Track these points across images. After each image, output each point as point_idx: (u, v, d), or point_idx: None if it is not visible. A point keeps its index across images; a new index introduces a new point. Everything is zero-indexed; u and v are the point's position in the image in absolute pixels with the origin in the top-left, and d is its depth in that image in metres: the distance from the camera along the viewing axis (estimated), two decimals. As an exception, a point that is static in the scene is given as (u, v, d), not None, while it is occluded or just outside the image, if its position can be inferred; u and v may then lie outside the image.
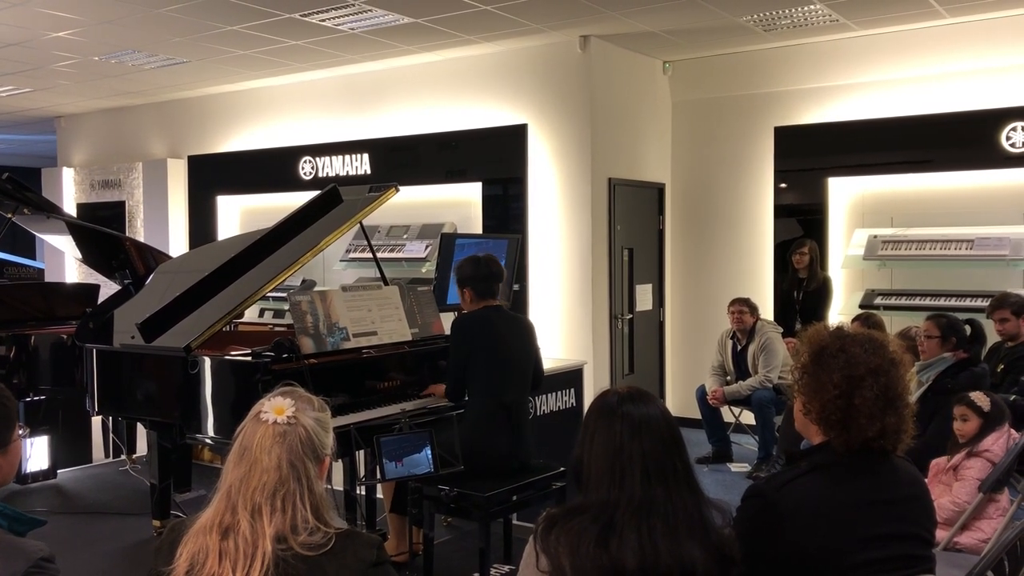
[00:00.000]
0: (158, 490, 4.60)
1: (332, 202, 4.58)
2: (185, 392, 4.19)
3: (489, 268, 4.10)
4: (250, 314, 6.19)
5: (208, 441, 4.37)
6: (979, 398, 3.88)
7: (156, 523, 4.65)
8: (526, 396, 4.22)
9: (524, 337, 4.14)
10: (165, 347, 4.23)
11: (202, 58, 7.88)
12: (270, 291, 4.44)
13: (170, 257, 6.02)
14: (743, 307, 6.60)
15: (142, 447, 5.79)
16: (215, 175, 9.74)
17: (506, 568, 4.30)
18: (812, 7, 6.28)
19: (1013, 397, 4.70)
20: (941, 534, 3.47)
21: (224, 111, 9.65)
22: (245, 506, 1.69)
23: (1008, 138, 6.48)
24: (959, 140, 6.69)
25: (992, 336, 5.34)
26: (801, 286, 7.03)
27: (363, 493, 4.71)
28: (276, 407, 1.76)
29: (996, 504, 3.65)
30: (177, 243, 9.87)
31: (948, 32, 6.72)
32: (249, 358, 4.08)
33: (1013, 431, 3.82)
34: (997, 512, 3.63)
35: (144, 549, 4.73)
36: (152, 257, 5.84)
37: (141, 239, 9.41)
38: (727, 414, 6.92)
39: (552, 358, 6.55)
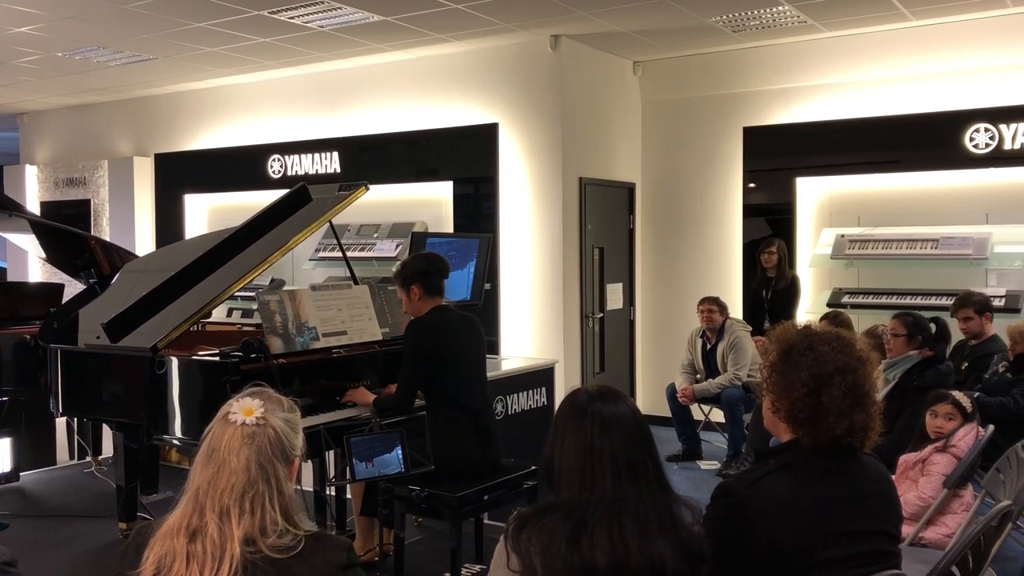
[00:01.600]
0: (124, 492, 4.54)
1: (301, 201, 4.55)
2: (152, 393, 4.14)
3: (442, 264, 4.07)
4: (218, 314, 6.12)
5: (176, 442, 4.32)
6: (963, 399, 3.92)
7: (122, 526, 4.59)
8: (488, 397, 4.21)
9: (478, 338, 4.12)
10: (131, 347, 4.17)
11: (169, 55, 7.79)
12: (238, 290, 4.40)
13: (136, 256, 5.96)
14: (712, 306, 6.65)
15: (108, 448, 5.71)
16: (182, 173, 9.63)
17: (477, 568, 4.29)
18: (780, 8, 6.34)
19: (977, 394, 4.78)
20: (907, 529, 3.51)
21: (192, 109, 9.54)
22: (213, 508, 1.67)
23: (971, 139, 6.57)
24: (924, 141, 6.78)
25: (956, 334, 5.42)
26: (770, 285, 7.09)
27: (333, 494, 4.68)
28: (245, 408, 1.74)
29: (960, 500, 3.70)
30: (143, 242, 9.75)
31: (913, 34, 6.81)
32: (217, 358, 4.04)
33: (979, 427, 3.88)
34: (961, 507, 3.68)
35: (110, 552, 4.68)
36: (118, 256, 5.77)
37: (107, 238, 9.29)
38: (697, 412, 6.97)
39: (523, 357, 6.56)
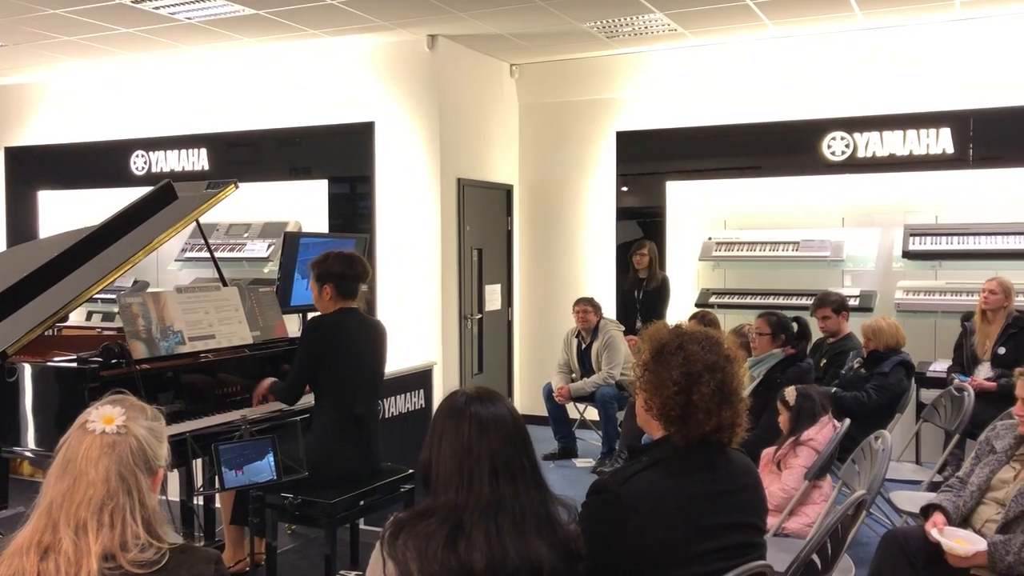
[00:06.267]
0: (-31, 509, 4.24)
1: (166, 198, 4.37)
2: (1, 402, 3.88)
3: (361, 267, 3.97)
4: (76, 317, 5.81)
5: (28, 454, 4.06)
6: (788, 393, 4.15)
7: (-33, 545, 4.29)
8: (376, 404, 4.15)
9: (377, 343, 4.05)
10: (-22, 353, 3.90)
11: (20, 42, 7.33)
12: (98, 292, 4.18)
13: (-16, 256, 5.58)
14: (587, 306, 6.77)
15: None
16: (36, 168, 9.10)
17: (353, 574, 4.22)
18: (652, 16, 6.51)
19: (834, 390, 5.03)
20: (771, 520, 3.66)
21: (47, 100, 9.02)
22: (68, 523, 1.59)
23: (829, 147, 6.93)
24: (785, 148, 7.11)
25: (816, 332, 5.70)
26: (641, 286, 7.27)
27: (201, 504, 4.51)
28: (104, 416, 1.67)
29: (820, 490, 3.89)
30: (-7, 241, 9.17)
31: (777, 45, 7.13)
32: (75, 364, 3.83)
33: (835, 421, 4.08)
34: (821, 498, 3.87)
35: (-46, 573, 4.36)
36: (-37, 256, 5.39)
37: (-49, 236, 8.68)
38: (572, 411, 7.07)
39: (402, 359, 6.48)
